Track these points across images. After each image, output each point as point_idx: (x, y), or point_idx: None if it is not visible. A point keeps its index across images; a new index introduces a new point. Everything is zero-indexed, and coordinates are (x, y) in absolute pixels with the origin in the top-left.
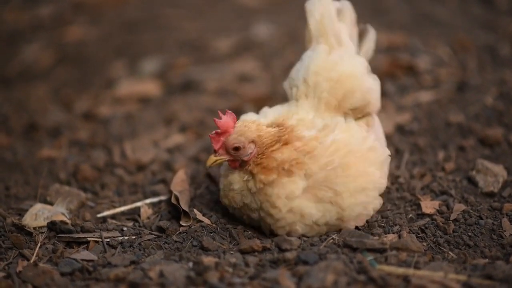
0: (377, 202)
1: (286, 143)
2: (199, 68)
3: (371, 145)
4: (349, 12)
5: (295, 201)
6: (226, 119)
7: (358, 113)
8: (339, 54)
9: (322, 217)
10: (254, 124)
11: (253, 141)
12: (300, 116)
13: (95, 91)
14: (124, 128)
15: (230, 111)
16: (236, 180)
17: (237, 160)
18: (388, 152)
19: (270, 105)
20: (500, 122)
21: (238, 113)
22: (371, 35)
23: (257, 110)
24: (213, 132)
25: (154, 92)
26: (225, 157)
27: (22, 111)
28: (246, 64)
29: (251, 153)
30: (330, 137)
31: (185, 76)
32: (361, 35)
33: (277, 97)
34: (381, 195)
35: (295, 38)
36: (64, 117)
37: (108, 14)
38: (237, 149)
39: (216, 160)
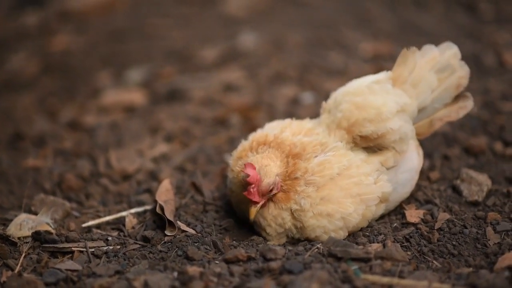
0: (342, 233)
1: (294, 156)
2: (185, 77)
3: (358, 180)
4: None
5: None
6: (252, 173)
7: (369, 143)
8: (382, 87)
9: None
10: (267, 158)
11: (277, 174)
12: (292, 126)
13: (81, 100)
14: (110, 137)
15: (247, 163)
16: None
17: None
18: (380, 193)
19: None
20: (484, 131)
21: (223, 122)
22: (463, 105)
23: (242, 119)
24: (245, 191)
25: (140, 101)
26: (263, 201)
27: (7, 120)
28: (232, 74)
29: (279, 182)
30: (320, 157)
31: (171, 85)
32: (458, 98)
33: (262, 106)
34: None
35: (281, 48)
36: (49, 127)
37: (94, 23)
38: (271, 190)
39: (257, 209)
